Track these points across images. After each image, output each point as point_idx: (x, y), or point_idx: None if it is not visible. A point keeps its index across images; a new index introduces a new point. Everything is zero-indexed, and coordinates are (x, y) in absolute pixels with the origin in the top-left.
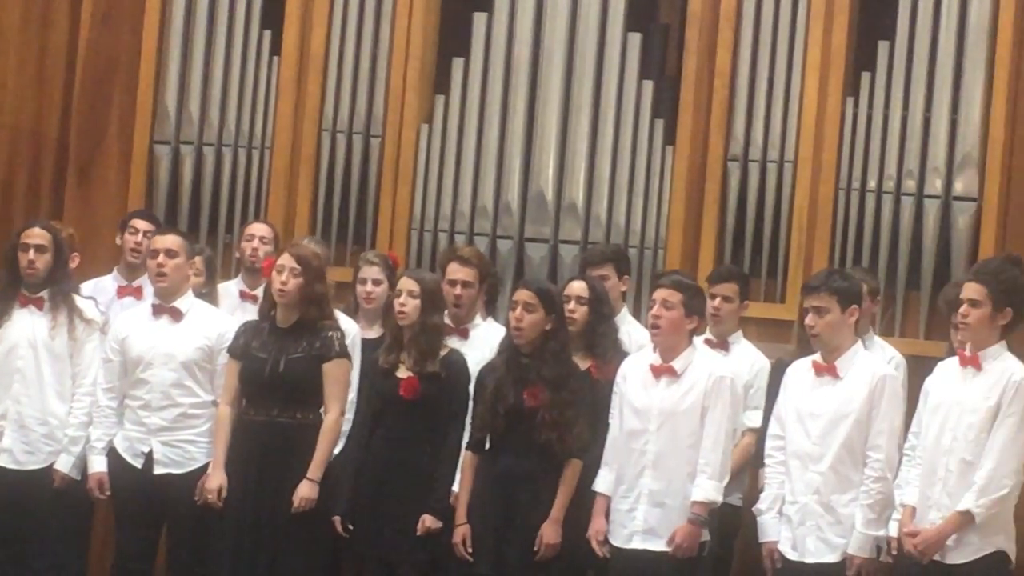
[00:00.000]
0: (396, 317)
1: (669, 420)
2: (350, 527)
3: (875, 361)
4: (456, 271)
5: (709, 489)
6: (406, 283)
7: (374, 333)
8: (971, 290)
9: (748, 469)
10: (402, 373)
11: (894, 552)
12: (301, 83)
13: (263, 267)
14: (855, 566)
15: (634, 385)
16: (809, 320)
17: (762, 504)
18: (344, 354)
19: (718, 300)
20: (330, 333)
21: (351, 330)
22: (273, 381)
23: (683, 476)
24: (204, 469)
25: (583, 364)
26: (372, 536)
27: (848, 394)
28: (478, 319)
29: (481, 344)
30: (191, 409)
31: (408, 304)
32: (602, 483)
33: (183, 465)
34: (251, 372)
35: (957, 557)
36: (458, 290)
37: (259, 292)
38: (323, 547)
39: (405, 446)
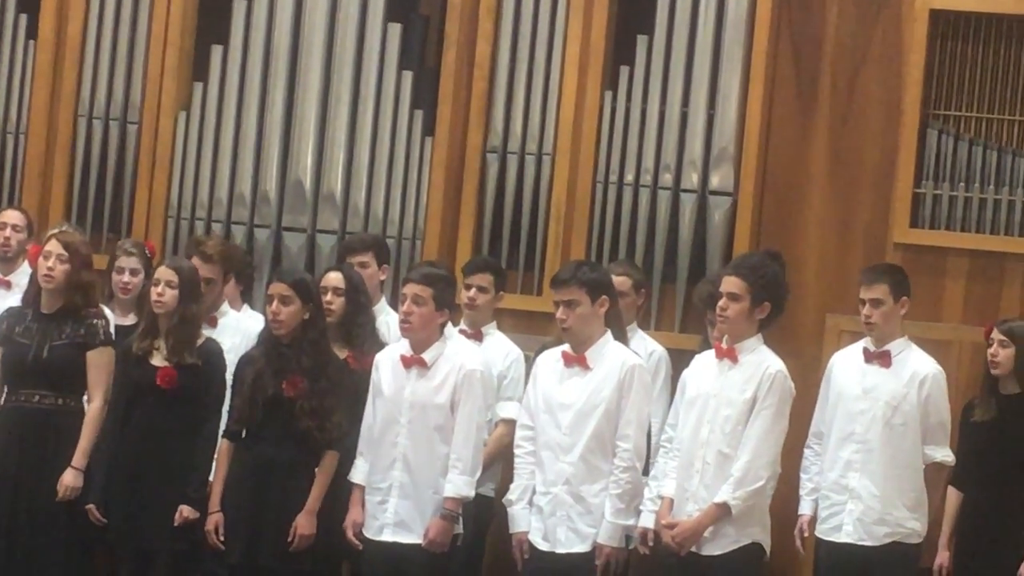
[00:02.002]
0: (153, 305)
1: (420, 413)
2: (102, 518)
3: (624, 352)
4: (198, 268)
5: (461, 484)
6: (164, 272)
7: (128, 321)
8: (731, 284)
9: (502, 459)
10: (157, 361)
11: (651, 543)
12: (58, 68)
13: (29, 254)
14: (604, 555)
15: (386, 376)
16: (560, 314)
17: (512, 495)
18: (108, 342)
19: (473, 291)
20: (95, 321)
21: (111, 318)
22: (36, 367)
23: (434, 470)
24: None
25: (341, 354)
26: (128, 526)
27: (597, 385)
28: (225, 307)
29: (232, 333)
30: None
31: (166, 294)
32: (357, 473)
33: None
34: (14, 358)
35: (713, 549)
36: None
37: (12, 278)
38: (80, 538)
39: (161, 435)
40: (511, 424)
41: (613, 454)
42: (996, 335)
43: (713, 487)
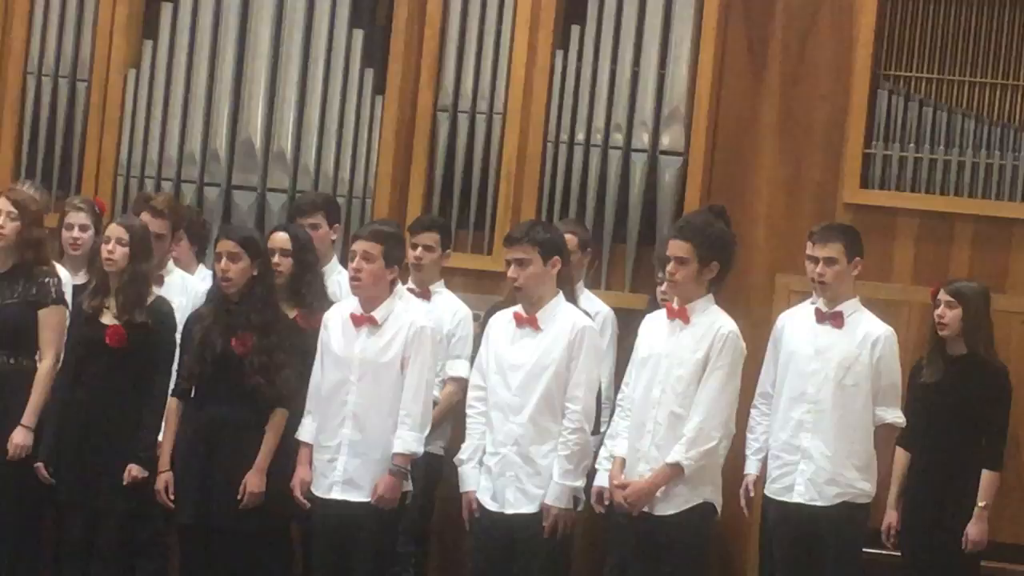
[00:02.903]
0: (103, 263)
1: (370, 370)
2: (50, 477)
3: (575, 313)
4: (147, 223)
5: (411, 441)
6: (115, 230)
7: (79, 280)
8: (677, 247)
9: (451, 417)
10: (107, 320)
11: (607, 503)
12: (6, 26)
13: None
14: (552, 516)
15: (336, 334)
16: (511, 272)
17: (463, 454)
18: (60, 301)
19: (419, 249)
20: (47, 279)
21: (64, 277)
22: None
23: (384, 427)
24: None
25: (290, 313)
26: (76, 485)
27: (548, 346)
28: (171, 266)
29: (178, 292)
30: None
31: (117, 252)
32: (305, 432)
33: None
34: None
35: (666, 508)
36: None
37: None
38: (31, 497)
39: (110, 394)
40: (460, 382)
41: (562, 415)
42: (943, 296)
43: (665, 447)
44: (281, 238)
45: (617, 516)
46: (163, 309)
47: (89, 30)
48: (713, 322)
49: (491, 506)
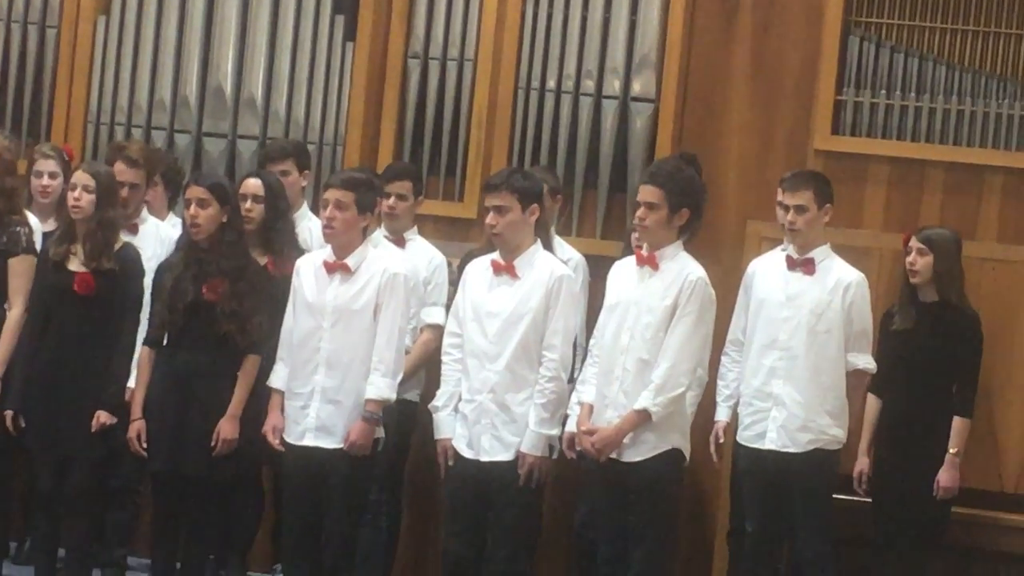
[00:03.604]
0: (70, 211)
1: (343, 317)
2: (21, 424)
3: (553, 262)
4: (122, 173)
5: (383, 387)
6: (81, 177)
7: (48, 227)
8: (647, 193)
9: (427, 365)
10: (74, 266)
11: (578, 448)
12: None
13: None
14: (527, 464)
15: (308, 281)
16: (490, 219)
17: (438, 401)
18: (31, 250)
19: (392, 198)
20: (17, 228)
21: (35, 226)
22: None
23: (357, 374)
24: None
25: (261, 260)
26: (46, 432)
27: (525, 294)
28: (145, 214)
29: (152, 240)
30: None
31: (83, 199)
32: (277, 379)
33: None
34: None
35: (633, 455)
36: (124, 192)
37: None
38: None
39: (78, 342)
40: (436, 329)
41: (539, 363)
42: (914, 243)
43: (632, 394)
44: (253, 184)
45: (588, 462)
46: (131, 255)
47: None
48: (682, 269)
49: (466, 453)
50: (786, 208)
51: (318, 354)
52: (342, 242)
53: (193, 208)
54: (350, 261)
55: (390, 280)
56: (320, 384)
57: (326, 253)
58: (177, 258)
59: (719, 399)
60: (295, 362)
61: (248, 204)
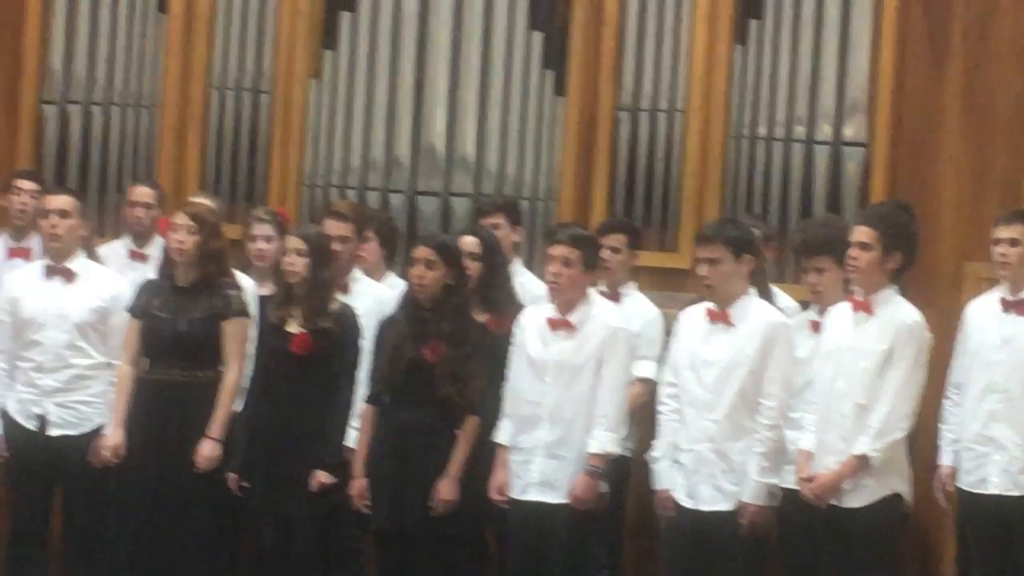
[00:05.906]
0: (285, 275)
1: (565, 372)
2: (245, 485)
3: (768, 309)
4: (332, 227)
5: (606, 441)
6: (293, 241)
7: (266, 290)
8: (861, 233)
9: (637, 419)
10: (292, 328)
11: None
12: (189, 40)
13: (158, 227)
14: (749, 514)
15: (532, 337)
16: (703, 271)
17: (656, 452)
18: (243, 312)
19: (607, 252)
20: (229, 291)
21: (248, 287)
22: (174, 341)
23: (579, 428)
24: (99, 430)
25: (480, 318)
26: (267, 494)
27: (741, 342)
28: (357, 273)
29: (365, 299)
30: (85, 371)
31: (297, 262)
32: (502, 434)
33: (78, 426)
34: (152, 332)
35: (854, 501)
36: (336, 246)
37: (147, 251)
38: (223, 507)
39: (297, 402)
40: (647, 383)
41: (757, 412)
42: None
43: (850, 439)
44: (470, 242)
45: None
46: (348, 315)
47: (270, 42)
48: (897, 312)
49: (686, 503)
50: (998, 242)
51: (540, 408)
52: (567, 298)
53: (419, 268)
54: (573, 318)
55: (612, 335)
56: (543, 439)
57: (549, 309)
58: (399, 315)
59: (943, 443)
60: (518, 417)
61: (465, 261)
